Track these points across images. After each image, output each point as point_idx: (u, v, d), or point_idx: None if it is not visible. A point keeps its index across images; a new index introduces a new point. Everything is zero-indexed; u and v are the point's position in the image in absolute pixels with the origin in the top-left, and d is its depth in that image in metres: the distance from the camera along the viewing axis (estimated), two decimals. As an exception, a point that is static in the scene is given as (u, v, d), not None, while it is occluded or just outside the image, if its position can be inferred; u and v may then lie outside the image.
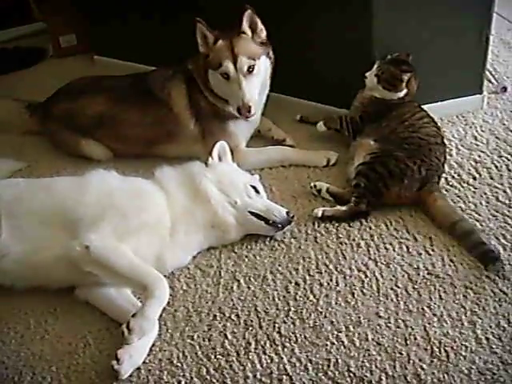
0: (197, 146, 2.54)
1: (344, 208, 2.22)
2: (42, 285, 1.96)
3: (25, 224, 1.95)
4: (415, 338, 1.75)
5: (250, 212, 2.11)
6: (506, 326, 1.76)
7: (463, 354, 1.69)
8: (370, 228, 2.17)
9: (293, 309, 1.89)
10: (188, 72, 2.58)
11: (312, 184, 2.35)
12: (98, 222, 1.89)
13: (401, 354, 1.71)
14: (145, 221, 1.95)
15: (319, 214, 2.21)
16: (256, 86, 2.45)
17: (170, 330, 1.85)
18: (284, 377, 1.68)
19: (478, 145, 2.56)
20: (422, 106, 2.45)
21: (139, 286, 1.84)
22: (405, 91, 2.42)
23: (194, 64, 2.56)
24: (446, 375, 1.64)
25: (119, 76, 2.78)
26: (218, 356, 1.76)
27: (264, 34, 2.48)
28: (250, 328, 1.84)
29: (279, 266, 2.06)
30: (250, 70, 2.41)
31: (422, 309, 1.84)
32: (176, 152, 2.52)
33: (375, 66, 2.46)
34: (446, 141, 2.39)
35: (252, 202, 2.14)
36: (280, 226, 2.13)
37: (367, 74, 2.47)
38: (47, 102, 2.79)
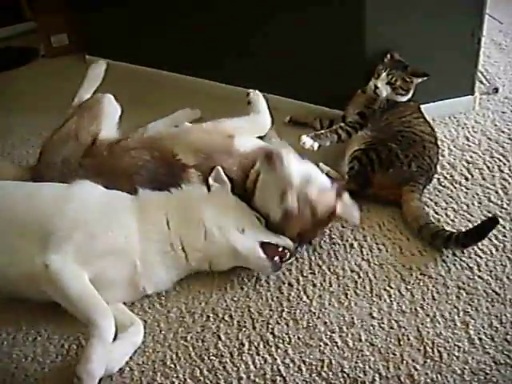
0: None
1: None
2: (25, 297, 1.90)
3: (3, 235, 1.89)
4: (408, 339, 1.75)
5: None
6: (498, 326, 1.76)
7: (456, 354, 1.69)
8: (363, 229, 2.17)
9: (286, 310, 1.89)
10: None
11: None
12: (63, 241, 1.81)
13: (394, 354, 1.71)
14: (111, 243, 1.86)
15: None
16: None
17: (163, 331, 1.85)
18: (278, 378, 1.68)
19: (470, 145, 2.57)
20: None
21: (84, 318, 1.75)
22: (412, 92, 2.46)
23: None
24: (439, 375, 1.64)
25: None
26: (211, 357, 1.76)
27: None
28: (244, 329, 1.84)
29: (272, 266, 2.05)
30: None
31: (415, 309, 1.84)
32: None
33: (383, 74, 2.41)
34: (438, 142, 2.40)
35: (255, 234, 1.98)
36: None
37: (379, 85, 2.41)
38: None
